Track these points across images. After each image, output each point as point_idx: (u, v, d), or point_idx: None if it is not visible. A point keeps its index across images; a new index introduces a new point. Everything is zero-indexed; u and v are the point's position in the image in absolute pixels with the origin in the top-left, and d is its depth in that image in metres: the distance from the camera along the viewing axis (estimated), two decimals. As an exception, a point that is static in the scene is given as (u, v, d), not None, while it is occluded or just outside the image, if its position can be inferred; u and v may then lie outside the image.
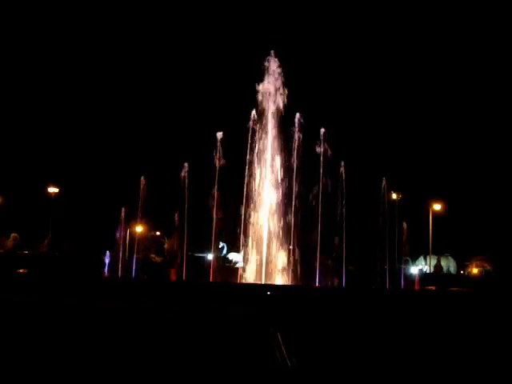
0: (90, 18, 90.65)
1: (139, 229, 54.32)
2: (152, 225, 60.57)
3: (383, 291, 39.95)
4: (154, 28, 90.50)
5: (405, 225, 47.26)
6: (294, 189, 40.96)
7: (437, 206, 56.89)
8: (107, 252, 48.09)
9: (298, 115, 41.75)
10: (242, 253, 41.99)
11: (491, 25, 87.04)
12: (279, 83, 42.34)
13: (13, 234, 57.82)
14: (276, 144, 41.99)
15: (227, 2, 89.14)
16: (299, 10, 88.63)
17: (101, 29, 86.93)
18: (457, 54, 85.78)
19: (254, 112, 41.71)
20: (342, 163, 42.31)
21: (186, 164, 42.74)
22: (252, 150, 41.48)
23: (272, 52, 42.69)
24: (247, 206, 40.98)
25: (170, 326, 18.02)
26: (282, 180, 41.50)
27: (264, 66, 42.43)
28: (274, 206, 41.33)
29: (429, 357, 13.46)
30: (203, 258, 49.06)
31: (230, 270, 43.94)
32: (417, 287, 46.29)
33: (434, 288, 43.03)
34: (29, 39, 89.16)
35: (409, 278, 49.66)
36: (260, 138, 41.80)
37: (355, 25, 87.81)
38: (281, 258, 40.73)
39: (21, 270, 40.85)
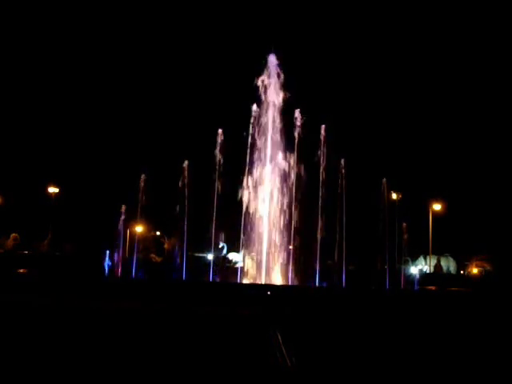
0: (90, 17, 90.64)
1: (139, 229, 54.33)
2: (152, 225, 60.58)
3: (383, 291, 39.97)
4: (152, 26, 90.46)
5: (405, 225, 47.22)
6: (294, 189, 40.98)
7: (437, 206, 56.94)
8: (107, 252, 48.08)
9: (297, 112, 41.72)
10: (242, 253, 42.02)
11: (491, 25, 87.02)
12: (279, 80, 42.32)
13: (13, 234, 57.78)
14: (276, 143, 42.01)
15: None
16: (300, 7, 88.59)
17: (100, 27, 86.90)
18: (457, 53, 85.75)
19: (254, 108, 41.72)
20: (343, 162, 42.30)
21: (186, 162, 42.71)
22: (252, 148, 41.52)
23: (272, 48, 42.60)
24: (247, 207, 41.04)
25: (169, 326, 18.03)
26: (282, 180, 41.57)
27: (264, 62, 42.40)
28: (273, 206, 41.36)
29: (429, 357, 13.46)
30: (203, 258, 49.05)
31: (230, 269, 43.93)
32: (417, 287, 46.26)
33: (434, 288, 43.00)
34: (29, 39, 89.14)
35: (409, 278, 49.63)
36: (259, 138, 41.82)
37: (356, 24, 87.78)
38: (281, 258, 40.77)
39: (21, 270, 40.82)
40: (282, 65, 42.42)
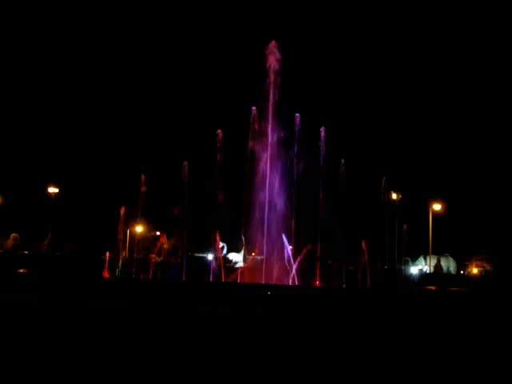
0: (90, 17, 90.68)
1: (139, 229, 54.41)
2: (152, 225, 60.62)
3: (383, 291, 39.95)
4: (152, 27, 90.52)
5: (405, 225, 47.26)
6: (294, 188, 41.01)
7: (437, 206, 56.98)
8: (107, 252, 48.15)
9: (297, 116, 41.77)
10: (242, 253, 42.08)
11: (491, 25, 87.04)
12: (279, 81, 42.28)
13: (13, 234, 57.82)
14: (276, 145, 42.02)
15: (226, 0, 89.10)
16: (300, 9, 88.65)
17: (100, 27, 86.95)
18: (457, 53, 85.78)
19: (254, 111, 41.70)
20: (342, 162, 42.34)
21: (185, 163, 42.72)
22: (252, 150, 41.52)
23: (272, 49, 42.47)
24: (247, 207, 41.07)
25: (168, 327, 18.05)
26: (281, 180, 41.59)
27: (263, 62, 42.33)
28: (273, 206, 41.36)
29: (428, 357, 13.47)
30: (203, 258, 49.09)
31: (231, 270, 43.96)
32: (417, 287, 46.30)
33: (434, 288, 43.04)
34: (29, 39, 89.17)
35: (409, 278, 49.70)
36: (260, 139, 41.83)
37: (355, 24, 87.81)
38: (281, 259, 40.79)
39: (21, 270, 40.82)
40: (281, 65, 42.37)
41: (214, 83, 69.72)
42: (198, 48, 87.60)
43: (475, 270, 64.63)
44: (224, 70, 72.49)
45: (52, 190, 59.35)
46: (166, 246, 58.01)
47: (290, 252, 40.37)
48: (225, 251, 46.22)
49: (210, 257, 44.10)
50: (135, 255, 48.83)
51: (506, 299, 33.34)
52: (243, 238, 41.07)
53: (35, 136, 72.84)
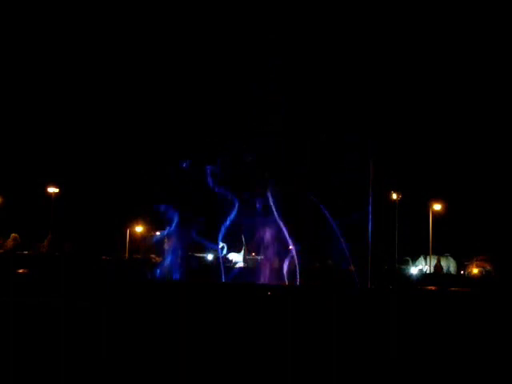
0: (90, 18, 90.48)
1: (139, 229, 54.42)
2: (152, 225, 60.59)
3: (383, 291, 39.97)
4: (153, 34, 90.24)
5: (405, 225, 47.30)
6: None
7: (437, 206, 57.03)
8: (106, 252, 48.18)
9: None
10: (242, 253, 42.09)
11: (491, 25, 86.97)
12: (275, 90, 42.20)
13: (13, 234, 57.86)
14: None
15: (223, 7, 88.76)
16: (300, 14, 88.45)
17: (102, 32, 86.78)
18: (456, 54, 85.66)
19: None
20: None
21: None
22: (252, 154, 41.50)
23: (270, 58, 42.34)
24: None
25: (165, 326, 18.05)
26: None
27: (263, 70, 42.23)
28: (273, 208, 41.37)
29: (428, 357, 13.46)
30: (203, 257, 49.11)
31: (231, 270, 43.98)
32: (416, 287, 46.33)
33: (434, 288, 43.04)
34: (28, 39, 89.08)
35: (409, 278, 49.68)
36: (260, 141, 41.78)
37: (354, 27, 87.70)
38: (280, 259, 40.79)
39: (21, 270, 40.80)
40: (275, 74, 42.24)
41: (211, 88, 69.45)
42: (195, 58, 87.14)
43: (475, 270, 64.61)
44: (221, 79, 72.13)
45: (52, 189, 59.40)
46: (166, 246, 58.03)
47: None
48: (225, 251, 46.23)
49: (210, 257, 44.14)
50: (134, 255, 48.86)
51: (506, 299, 33.35)
52: (243, 239, 41.09)
53: (35, 136, 72.82)
